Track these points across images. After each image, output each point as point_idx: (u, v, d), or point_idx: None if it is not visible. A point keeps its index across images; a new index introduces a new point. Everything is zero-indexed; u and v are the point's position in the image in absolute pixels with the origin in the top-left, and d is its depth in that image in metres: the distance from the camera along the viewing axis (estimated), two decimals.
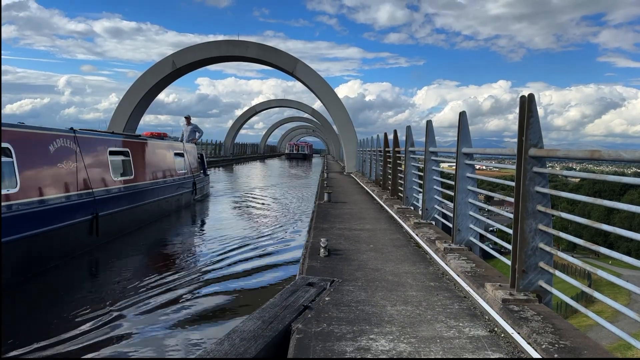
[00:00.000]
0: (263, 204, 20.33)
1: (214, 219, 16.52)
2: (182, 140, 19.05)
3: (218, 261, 9.78)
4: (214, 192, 23.47)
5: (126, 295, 7.44)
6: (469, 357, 3.29)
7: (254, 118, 77.60)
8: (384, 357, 3.26)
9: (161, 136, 16.40)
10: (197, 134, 20.00)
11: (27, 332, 5.81)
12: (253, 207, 19.20)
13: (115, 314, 6.56)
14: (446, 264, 5.57)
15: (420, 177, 9.44)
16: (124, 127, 30.31)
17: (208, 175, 21.85)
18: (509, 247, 4.36)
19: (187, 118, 20.14)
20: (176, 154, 16.64)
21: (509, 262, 4.30)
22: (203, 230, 14.40)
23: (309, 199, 21.23)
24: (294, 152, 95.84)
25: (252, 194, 24.26)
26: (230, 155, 64.95)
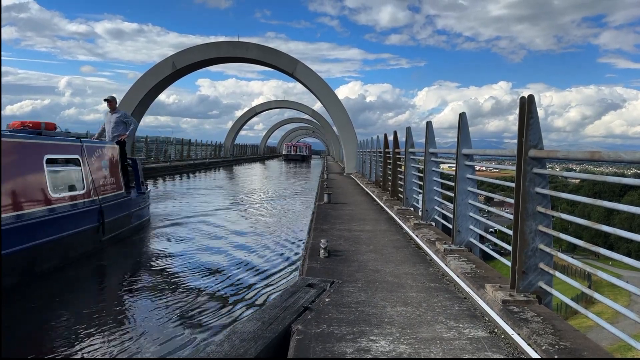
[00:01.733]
0: (228, 243, 11.96)
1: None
2: (100, 137, 12.26)
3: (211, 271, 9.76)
4: (176, 211, 16.84)
5: (124, 296, 7.44)
6: (469, 358, 3.29)
7: (254, 119, 77.85)
8: (384, 358, 3.26)
9: (39, 129, 9.13)
10: (130, 127, 12.34)
11: None
12: (205, 255, 10.47)
13: (113, 313, 6.56)
14: (446, 265, 5.57)
15: (420, 178, 9.44)
16: None
17: (145, 192, 13.18)
18: (509, 248, 4.36)
19: (110, 102, 12.12)
20: (58, 162, 8.96)
21: (509, 263, 4.30)
22: None
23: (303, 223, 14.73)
24: (292, 153, 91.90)
25: (224, 216, 16.57)
26: (230, 156, 64.98)
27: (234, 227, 14.67)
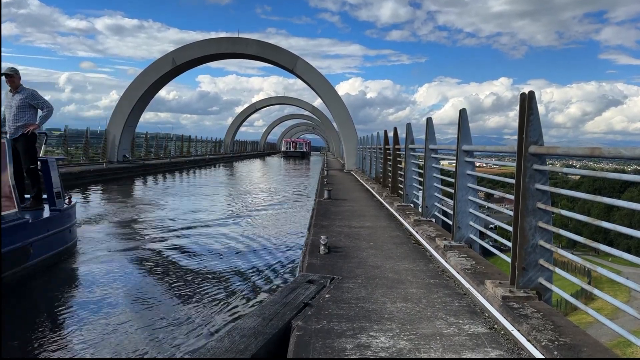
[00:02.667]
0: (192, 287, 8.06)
1: None
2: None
3: (218, 257, 9.78)
4: (151, 223, 13.53)
5: (124, 290, 7.45)
6: (469, 354, 3.30)
7: (254, 115, 77.78)
8: (384, 354, 3.27)
9: None
10: (41, 113, 8.72)
11: None
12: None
13: (112, 307, 6.57)
14: (446, 262, 5.57)
15: (420, 175, 9.45)
16: (124, 125, 30.35)
17: (63, 209, 9.10)
18: (509, 244, 4.37)
19: (10, 77, 8.46)
20: None
21: (509, 260, 4.31)
22: None
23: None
24: (291, 149, 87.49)
25: (204, 237, 12.21)
26: (230, 152, 64.97)
27: (208, 262, 9.67)
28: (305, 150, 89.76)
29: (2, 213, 7.04)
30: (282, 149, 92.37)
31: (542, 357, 3.12)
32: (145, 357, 5.32)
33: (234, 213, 16.85)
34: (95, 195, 20.22)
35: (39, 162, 8.86)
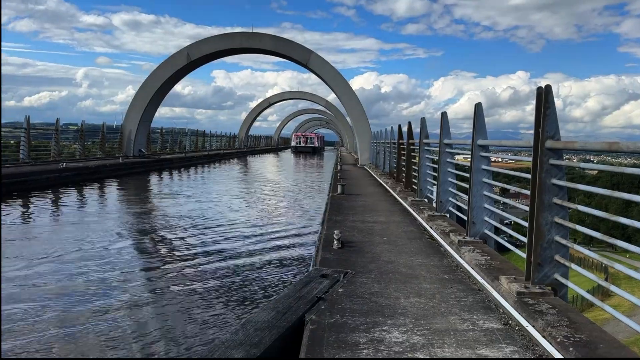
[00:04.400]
0: None
1: None
2: None
3: (232, 252, 9.85)
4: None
5: (135, 287, 7.54)
6: (483, 349, 3.29)
7: (268, 110, 77.65)
8: (398, 348, 3.27)
9: None
10: None
11: None
12: None
13: (122, 301, 6.66)
14: (460, 257, 5.54)
15: (434, 170, 9.39)
16: (140, 119, 30.62)
17: None
18: (525, 240, 4.33)
19: None
20: None
21: (524, 255, 4.27)
22: None
23: None
24: (301, 144, 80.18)
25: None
26: (244, 147, 65.22)
27: None
28: (317, 145, 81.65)
29: None
30: (292, 144, 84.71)
31: (557, 354, 3.09)
32: (149, 357, 5.36)
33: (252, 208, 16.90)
34: (112, 188, 20.44)
35: None
